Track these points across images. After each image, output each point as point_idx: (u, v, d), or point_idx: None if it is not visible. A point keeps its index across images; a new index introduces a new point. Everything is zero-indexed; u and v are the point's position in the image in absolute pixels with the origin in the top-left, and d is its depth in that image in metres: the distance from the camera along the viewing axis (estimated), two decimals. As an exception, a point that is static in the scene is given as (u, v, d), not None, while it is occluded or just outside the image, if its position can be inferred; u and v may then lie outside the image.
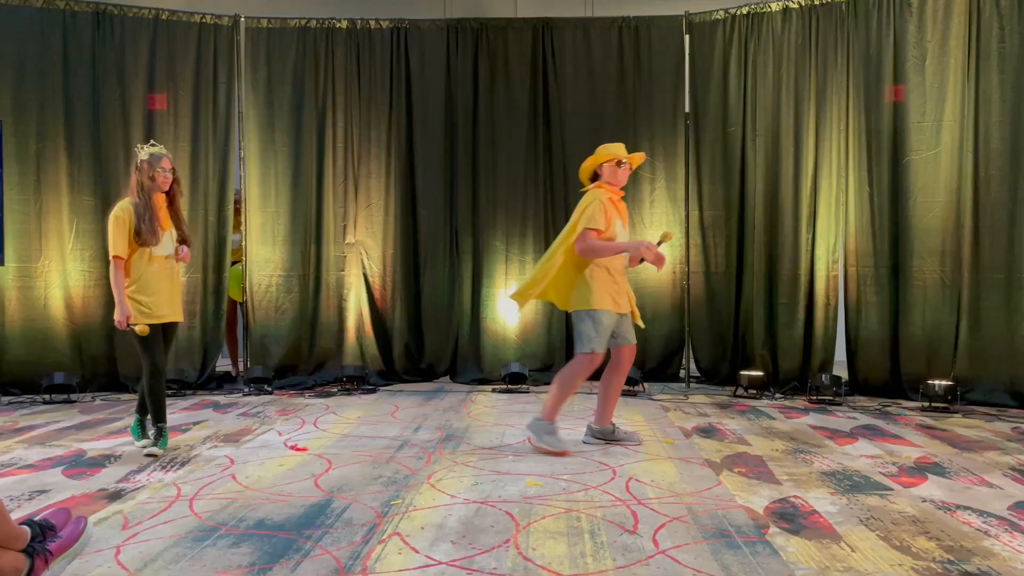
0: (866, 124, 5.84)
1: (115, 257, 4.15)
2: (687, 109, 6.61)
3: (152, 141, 4.47)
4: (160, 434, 4.19)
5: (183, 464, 3.96)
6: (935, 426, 4.84)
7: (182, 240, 4.41)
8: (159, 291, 4.21)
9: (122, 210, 4.18)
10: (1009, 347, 5.38)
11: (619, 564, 2.59)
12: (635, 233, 6.72)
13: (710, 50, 6.48)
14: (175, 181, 4.35)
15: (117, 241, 4.14)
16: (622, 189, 4.37)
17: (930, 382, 5.38)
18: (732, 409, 5.48)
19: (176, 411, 5.45)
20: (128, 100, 6.31)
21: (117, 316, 4.15)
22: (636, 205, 6.72)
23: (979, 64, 5.51)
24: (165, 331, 4.30)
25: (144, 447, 4.23)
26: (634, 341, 4.42)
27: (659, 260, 4.25)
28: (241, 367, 6.95)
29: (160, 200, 4.27)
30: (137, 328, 4.11)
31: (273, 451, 4.24)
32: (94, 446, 4.38)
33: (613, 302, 4.23)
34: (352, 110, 6.72)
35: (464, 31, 6.78)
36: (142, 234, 4.14)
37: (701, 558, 2.64)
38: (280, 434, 4.69)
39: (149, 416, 4.27)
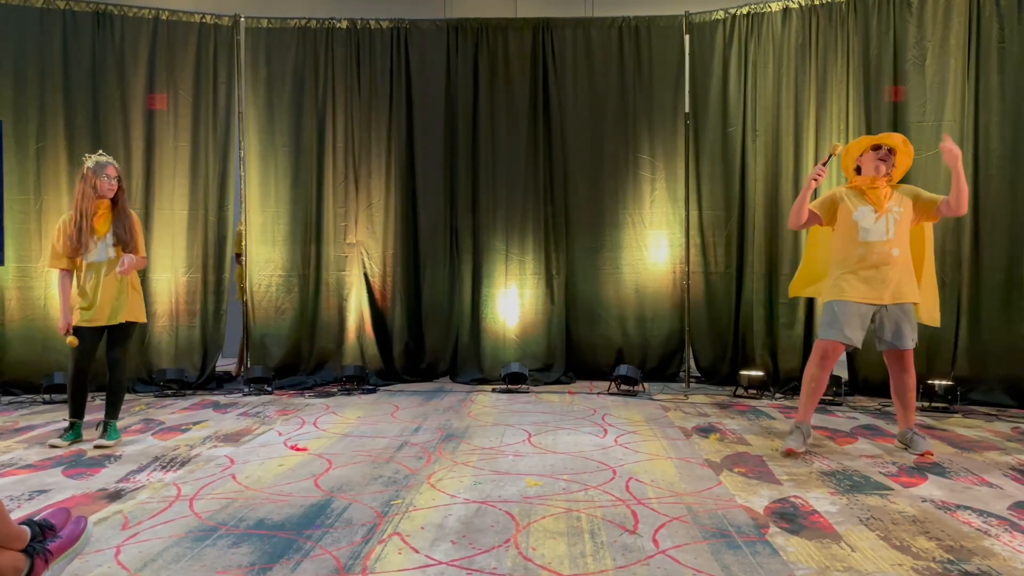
0: (866, 124, 5.84)
1: (54, 269, 4.51)
2: (687, 109, 6.61)
3: (100, 151, 4.63)
4: (72, 429, 4.43)
5: (183, 464, 3.96)
6: (935, 426, 4.83)
7: (122, 246, 4.44)
8: (94, 298, 4.39)
9: (60, 223, 4.49)
10: (1009, 347, 5.37)
11: (619, 564, 2.59)
12: (635, 233, 6.73)
13: (710, 50, 6.49)
14: (120, 189, 4.50)
15: (51, 254, 4.47)
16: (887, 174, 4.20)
17: (930, 382, 5.38)
18: (732, 409, 5.48)
19: (176, 411, 5.45)
20: (128, 100, 6.31)
21: (60, 324, 4.44)
22: (636, 205, 6.73)
23: (979, 64, 5.51)
24: (111, 333, 4.48)
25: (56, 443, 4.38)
26: (897, 346, 4.06)
27: (820, 173, 4.09)
28: (241, 367, 6.95)
29: (98, 207, 4.43)
30: (68, 340, 4.37)
31: (273, 451, 4.24)
32: (94, 446, 4.38)
33: (847, 290, 4.06)
34: (352, 110, 6.72)
35: (464, 31, 6.79)
36: (71, 244, 4.39)
37: (701, 558, 2.64)
38: (280, 434, 4.69)
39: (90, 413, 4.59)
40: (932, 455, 4.01)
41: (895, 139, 4.17)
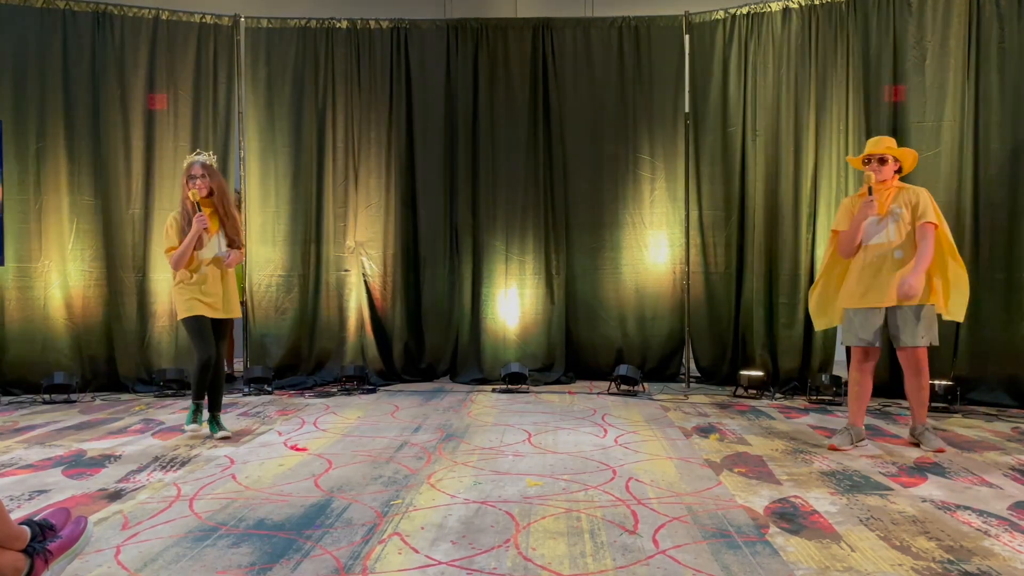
0: (866, 124, 5.84)
1: (169, 261, 4.61)
2: (687, 109, 6.62)
3: (198, 150, 4.87)
4: (213, 420, 4.62)
5: (183, 464, 3.96)
6: (935, 426, 4.83)
7: (230, 243, 4.64)
8: (209, 290, 4.52)
9: (170, 220, 4.61)
10: (1009, 347, 5.38)
11: (619, 564, 2.59)
12: (635, 233, 6.73)
13: (710, 50, 6.49)
14: (213, 184, 4.58)
15: (166, 246, 4.61)
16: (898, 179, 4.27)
17: (930, 382, 5.37)
18: (732, 409, 5.48)
19: (176, 411, 5.45)
20: (128, 100, 6.32)
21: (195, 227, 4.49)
22: (636, 205, 6.73)
23: (979, 64, 5.51)
24: (215, 327, 4.59)
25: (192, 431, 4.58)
26: (905, 344, 4.11)
27: (868, 206, 4.11)
28: (240, 367, 6.96)
29: (204, 206, 4.56)
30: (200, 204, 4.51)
31: (273, 451, 4.24)
32: (94, 446, 4.38)
33: (856, 297, 4.18)
34: (352, 110, 6.72)
35: (464, 31, 6.79)
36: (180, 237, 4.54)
37: (701, 558, 2.64)
38: (280, 434, 4.69)
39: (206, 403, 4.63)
40: (944, 451, 4.09)
41: (878, 148, 4.21)
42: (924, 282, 4.02)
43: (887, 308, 4.11)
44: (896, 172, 4.23)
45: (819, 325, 4.58)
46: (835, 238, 4.34)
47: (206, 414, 4.62)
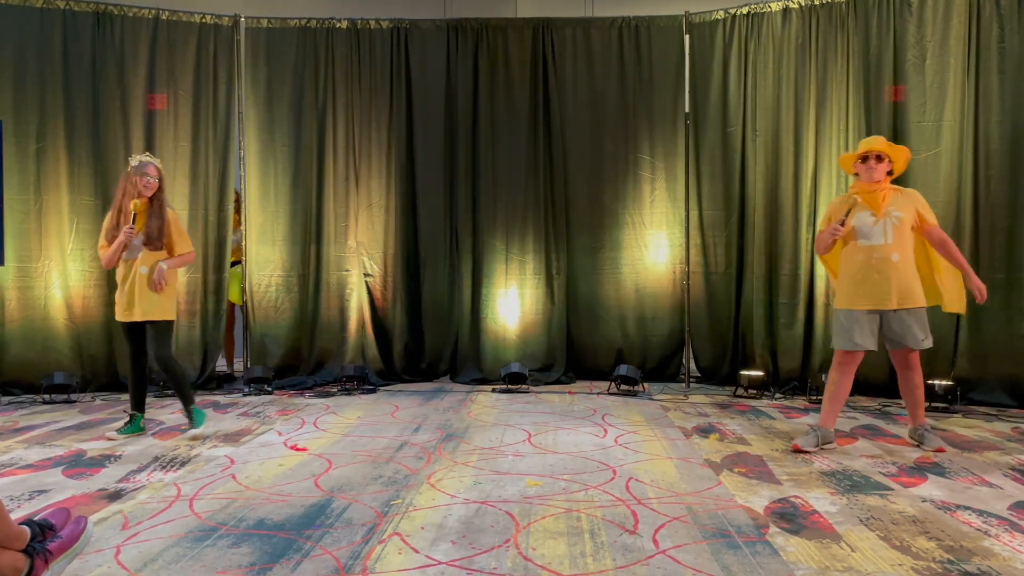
0: (866, 124, 5.84)
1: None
2: (687, 109, 6.61)
3: (147, 152, 4.82)
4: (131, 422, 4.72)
5: (183, 464, 3.96)
6: (935, 426, 4.83)
7: (149, 244, 4.58)
8: (130, 294, 4.58)
9: (106, 219, 4.68)
10: (1009, 347, 5.38)
11: (619, 564, 2.59)
12: (635, 233, 6.74)
13: (710, 50, 6.49)
14: (160, 188, 4.64)
15: (100, 246, 4.69)
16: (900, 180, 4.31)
17: (930, 382, 5.38)
18: (732, 409, 5.48)
19: (176, 411, 5.45)
20: (128, 100, 6.31)
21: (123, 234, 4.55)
22: (636, 205, 6.73)
23: (979, 64, 5.51)
24: (139, 329, 4.65)
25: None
26: (899, 346, 4.11)
27: (835, 231, 4.13)
28: (240, 367, 6.95)
29: (141, 205, 4.54)
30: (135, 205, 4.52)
31: (273, 451, 4.24)
32: (94, 446, 4.38)
33: (854, 300, 4.14)
34: (352, 110, 6.72)
35: (464, 31, 6.79)
36: (110, 238, 4.61)
37: (701, 558, 2.64)
38: (280, 434, 4.69)
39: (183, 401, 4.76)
40: (944, 451, 4.10)
41: (877, 145, 4.18)
42: (974, 278, 4.07)
43: (883, 312, 4.08)
44: (888, 173, 4.21)
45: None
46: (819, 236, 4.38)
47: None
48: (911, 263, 4.11)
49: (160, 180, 4.63)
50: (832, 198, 5.95)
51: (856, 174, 4.27)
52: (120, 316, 4.62)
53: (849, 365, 4.19)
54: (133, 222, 4.50)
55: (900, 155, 4.21)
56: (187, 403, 4.70)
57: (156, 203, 4.61)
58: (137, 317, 4.56)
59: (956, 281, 4.21)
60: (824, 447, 4.18)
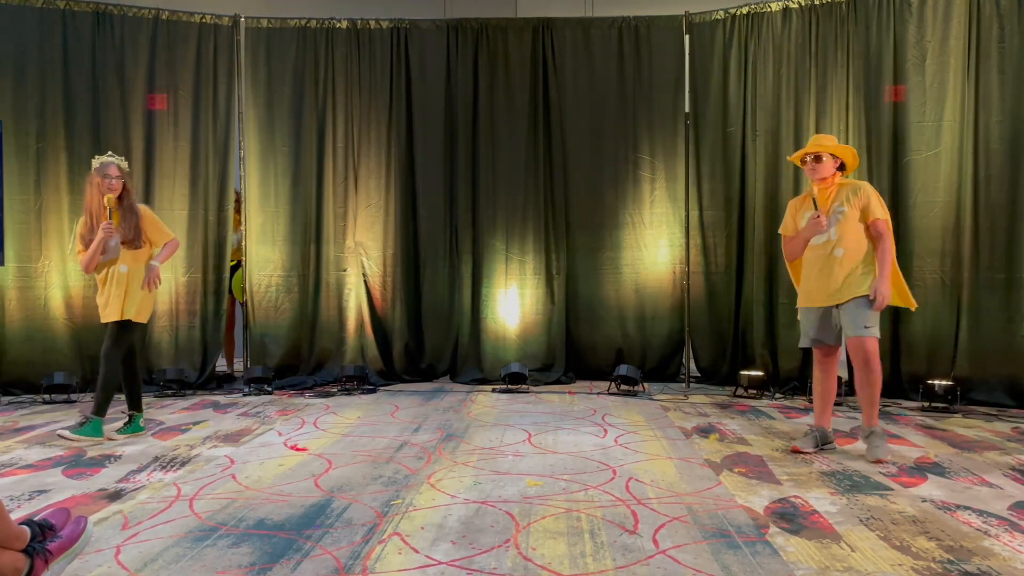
0: (866, 124, 5.84)
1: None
2: (687, 109, 6.62)
3: (109, 152, 4.70)
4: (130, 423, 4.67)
5: (183, 464, 3.96)
6: (935, 426, 4.83)
7: (128, 244, 4.55)
8: (100, 292, 4.57)
9: (78, 224, 4.64)
10: (1009, 347, 5.38)
11: (619, 564, 2.59)
12: (635, 233, 6.74)
13: (710, 50, 6.49)
14: (125, 188, 4.57)
15: (77, 251, 4.64)
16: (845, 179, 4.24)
17: (930, 382, 5.38)
18: (732, 409, 5.48)
19: (176, 411, 5.45)
20: (128, 100, 6.32)
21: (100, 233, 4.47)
22: (636, 205, 6.73)
23: (979, 64, 5.51)
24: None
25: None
26: (851, 335, 4.00)
27: (815, 224, 4.07)
28: (240, 367, 6.95)
29: (110, 205, 4.49)
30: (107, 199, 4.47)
31: (273, 451, 4.24)
32: (94, 446, 4.38)
33: (803, 297, 4.21)
34: (352, 110, 6.72)
35: (464, 31, 6.79)
36: (84, 242, 4.54)
37: (701, 558, 2.64)
38: (280, 434, 4.69)
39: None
40: (884, 462, 3.87)
41: (813, 146, 4.14)
42: (891, 287, 3.99)
43: (833, 307, 4.07)
44: (839, 169, 4.18)
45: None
46: (782, 241, 4.35)
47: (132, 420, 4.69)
48: (858, 256, 4.02)
49: (124, 179, 4.55)
50: (832, 198, 5.96)
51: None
52: (105, 318, 4.53)
53: (823, 362, 4.21)
54: (110, 217, 4.44)
55: (846, 154, 4.17)
56: (99, 411, 4.45)
57: (124, 202, 4.56)
58: (113, 316, 4.50)
59: (899, 277, 4.15)
60: (824, 447, 4.17)
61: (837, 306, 4.06)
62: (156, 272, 4.60)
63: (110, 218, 4.45)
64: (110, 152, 4.69)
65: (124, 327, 4.56)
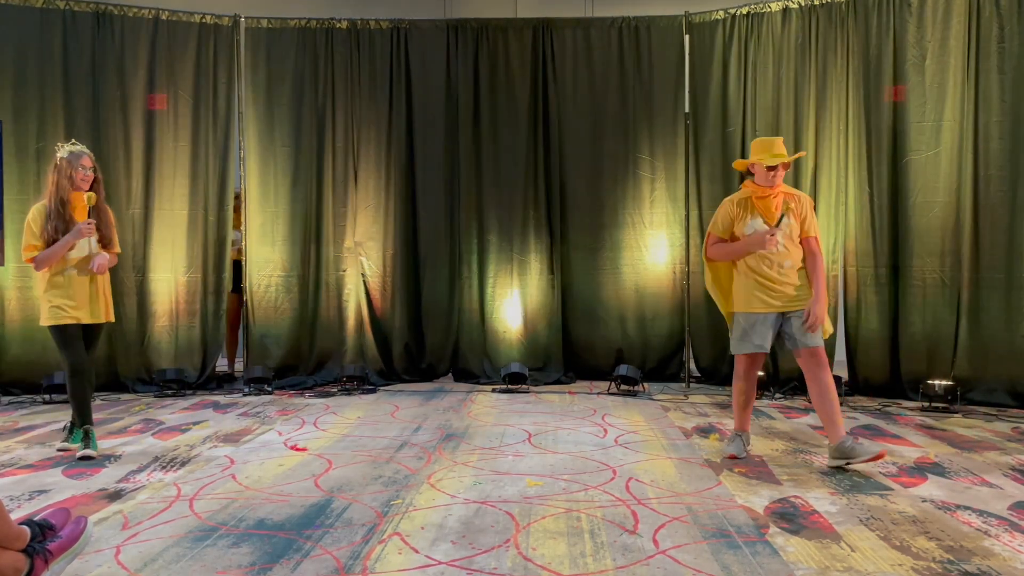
0: (866, 124, 5.84)
1: (29, 260, 4.21)
2: (687, 109, 6.61)
3: (73, 140, 4.46)
4: (86, 436, 4.10)
5: (183, 464, 3.96)
6: (935, 426, 4.83)
7: (105, 242, 4.32)
8: (76, 294, 4.17)
9: (32, 214, 4.24)
10: (1009, 347, 5.37)
11: (619, 564, 2.59)
12: (635, 233, 6.73)
13: (710, 50, 6.49)
14: (96, 180, 4.31)
15: (26, 246, 4.20)
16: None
17: (930, 382, 5.38)
18: (732, 409, 5.47)
19: (176, 411, 5.45)
20: (128, 100, 6.32)
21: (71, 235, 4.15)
22: (636, 205, 6.73)
23: (979, 64, 5.51)
24: (86, 332, 4.26)
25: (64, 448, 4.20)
26: (810, 344, 3.86)
27: (769, 240, 3.92)
28: (240, 367, 6.95)
29: (76, 200, 4.21)
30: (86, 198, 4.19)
31: (273, 451, 4.24)
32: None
33: (752, 302, 3.97)
34: (352, 110, 6.72)
35: (464, 31, 6.79)
36: (46, 236, 4.15)
37: (701, 558, 2.64)
38: (280, 434, 4.69)
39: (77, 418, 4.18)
40: (885, 454, 3.74)
41: (783, 153, 3.99)
42: (826, 307, 3.91)
43: (779, 315, 3.93)
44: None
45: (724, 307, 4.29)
46: (709, 239, 4.13)
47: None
48: (799, 265, 3.97)
49: (96, 170, 4.27)
50: (831, 198, 5.97)
51: (750, 173, 4.06)
52: (82, 318, 4.16)
53: (752, 369, 4.06)
54: (90, 216, 4.19)
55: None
56: (90, 421, 4.17)
57: (99, 199, 4.30)
58: (104, 318, 4.29)
59: (826, 298, 4.04)
60: (748, 448, 4.11)
61: (785, 314, 3.93)
62: (106, 259, 4.28)
63: (90, 216, 4.21)
64: (73, 140, 4.45)
65: (101, 329, 4.39)
